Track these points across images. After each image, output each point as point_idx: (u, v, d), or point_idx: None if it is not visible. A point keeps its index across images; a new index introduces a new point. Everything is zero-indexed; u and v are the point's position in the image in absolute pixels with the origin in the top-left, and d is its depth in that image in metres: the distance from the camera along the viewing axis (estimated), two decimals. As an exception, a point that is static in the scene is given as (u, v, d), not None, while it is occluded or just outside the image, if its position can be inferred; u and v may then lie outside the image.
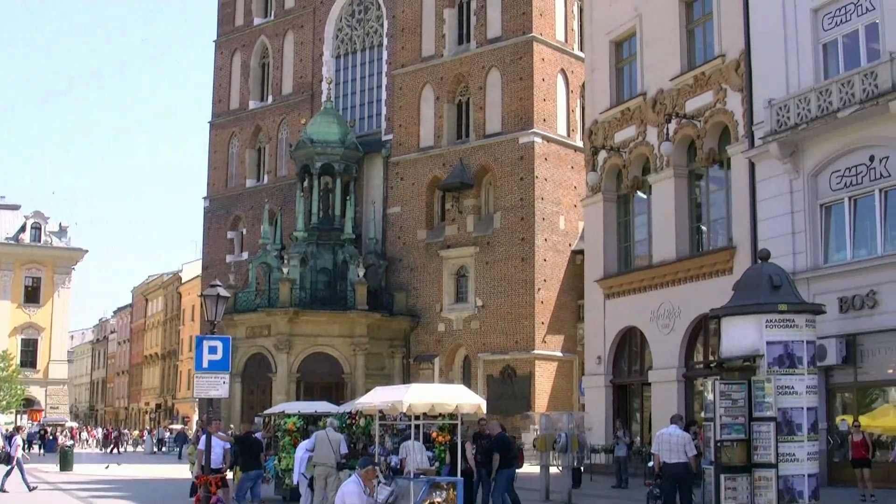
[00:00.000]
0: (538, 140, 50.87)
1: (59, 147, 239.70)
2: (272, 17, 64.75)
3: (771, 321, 15.91)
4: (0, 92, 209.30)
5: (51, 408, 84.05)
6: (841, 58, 27.22)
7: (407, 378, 52.69)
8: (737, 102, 30.96)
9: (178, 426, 77.02)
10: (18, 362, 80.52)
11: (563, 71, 52.87)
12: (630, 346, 36.48)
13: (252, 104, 64.85)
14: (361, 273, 52.68)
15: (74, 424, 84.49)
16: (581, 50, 48.01)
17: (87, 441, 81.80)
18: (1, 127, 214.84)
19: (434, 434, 22.58)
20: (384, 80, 58.90)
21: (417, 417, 20.87)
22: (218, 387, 20.58)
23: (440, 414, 21.17)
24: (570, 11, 53.81)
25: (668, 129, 33.45)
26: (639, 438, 35.13)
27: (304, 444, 24.40)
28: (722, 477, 15.94)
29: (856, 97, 25.34)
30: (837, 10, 27.27)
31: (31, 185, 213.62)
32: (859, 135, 25.99)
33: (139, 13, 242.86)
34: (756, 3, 29.99)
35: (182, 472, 36.75)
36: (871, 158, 25.88)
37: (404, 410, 19.45)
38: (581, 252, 44.06)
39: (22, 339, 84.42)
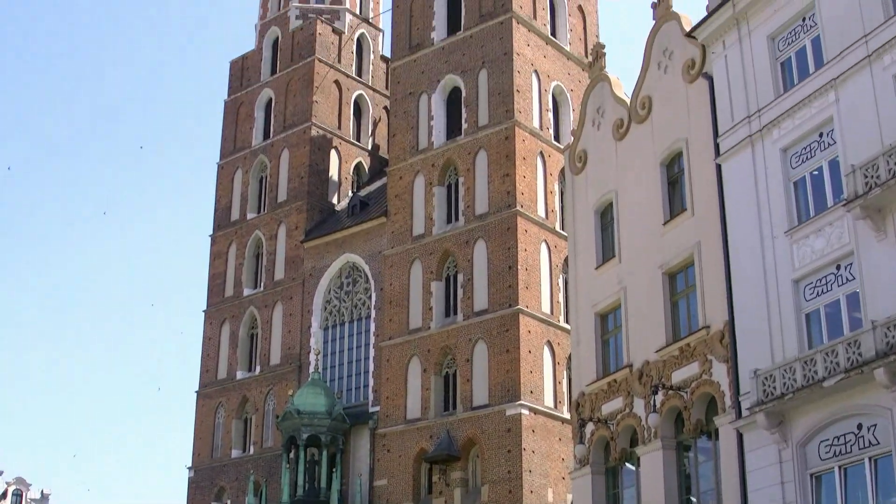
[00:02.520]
0: (525, 412, 50.76)
1: (41, 412, 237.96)
2: (261, 289, 65.60)
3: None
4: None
5: None
6: (824, 327, 27.54)
7: None
8: (722, 373, 31.03)
9: None
10: None
11: (549, 343, 53.26)
12: None
13: (239, 374, 64.90)
14: (347, 547, 51.72)
15: None
16: (567, 322, 48.47)
17: None
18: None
19: None
20: (371, 352, 59.22)
21: None
22: None
23: None
24: (556, 284, 54.65)
25: (654, 400, 33.41)
26: None
27: None
28: None
29: (840, 366, 25.47)
30: (818, 280, 27.76)
31: (11, 450, 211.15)
32: (846, 403, 26.01)
33: (129, 279, 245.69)
34: (738, 275, 30.50)
35: None
36: (859, 426, 25.82)
37: None
38: (570, 525, 43.32)
39: None
